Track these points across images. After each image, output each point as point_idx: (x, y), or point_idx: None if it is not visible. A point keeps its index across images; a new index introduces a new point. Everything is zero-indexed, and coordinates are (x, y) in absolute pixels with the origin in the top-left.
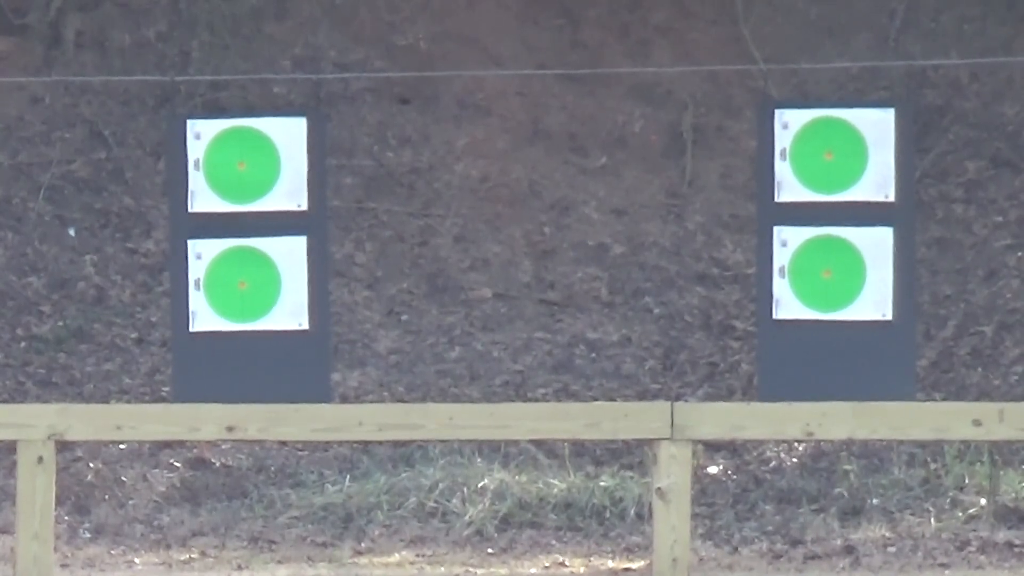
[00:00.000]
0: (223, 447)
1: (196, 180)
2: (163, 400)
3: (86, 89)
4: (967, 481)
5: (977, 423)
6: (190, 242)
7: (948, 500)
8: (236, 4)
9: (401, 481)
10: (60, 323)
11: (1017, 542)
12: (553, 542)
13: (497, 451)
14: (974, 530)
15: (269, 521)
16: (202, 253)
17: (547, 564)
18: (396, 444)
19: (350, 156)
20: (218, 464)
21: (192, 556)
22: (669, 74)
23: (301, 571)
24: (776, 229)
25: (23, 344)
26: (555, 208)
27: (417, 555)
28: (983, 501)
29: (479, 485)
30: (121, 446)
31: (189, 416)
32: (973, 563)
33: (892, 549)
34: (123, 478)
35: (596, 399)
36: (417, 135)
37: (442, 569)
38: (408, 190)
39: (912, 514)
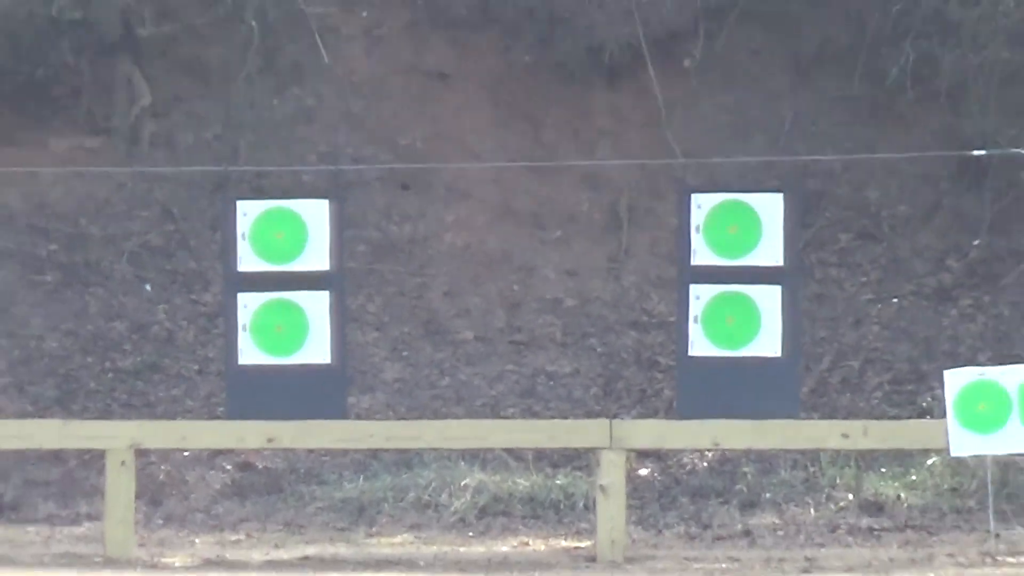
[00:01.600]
0: (264, 454)
1: (243, 247)
2: (217, 418)
3: (159, 177)
4: (838, 481)
5: (845, 436)
6: (239, 295)
7: (824, 495)
8: (275, 111)
9: (403, 480)
10: (138, 358)
11: (876, 527)
12: (520, 527)
13: (477, 457)
14: (843, 518)
15: (299, 511)
16: (248, 303)
17: (515, 544)
18: (399, 452)
19: (362, 229)
20: (260, 467)
21: (240, 538)
22: (609, 166)
23: (324, 550)
24: (692, 286)
25: (110, 375)
26: (522, 270)
27: (415, 537)
28: (850, 496)
29: (463, 483)
30: (185, 453)
31: (238, 430)
32: (842, 543)
33: (780, 533)
34: (187, 478)
35: (554, 417)
36: (415, 213)
37: (434, 548)
38: (408, 255)
39: (796, 506)
